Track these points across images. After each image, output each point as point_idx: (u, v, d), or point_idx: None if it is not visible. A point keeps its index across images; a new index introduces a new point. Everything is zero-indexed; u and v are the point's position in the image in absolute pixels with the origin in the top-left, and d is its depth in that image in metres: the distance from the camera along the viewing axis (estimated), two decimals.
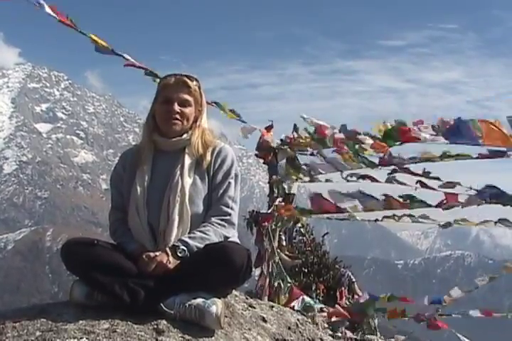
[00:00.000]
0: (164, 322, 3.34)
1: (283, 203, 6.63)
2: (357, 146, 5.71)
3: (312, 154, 6.56)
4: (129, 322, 3.30)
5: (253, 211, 6.74)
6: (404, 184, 5.64)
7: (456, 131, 4.71)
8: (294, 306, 6.04)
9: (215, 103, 6.78)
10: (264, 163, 6.78)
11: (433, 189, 5.46)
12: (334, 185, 6.34)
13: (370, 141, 5.51)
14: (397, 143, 5.26)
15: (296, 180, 6.71)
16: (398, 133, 5.18)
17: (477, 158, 4.96)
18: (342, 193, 5.84)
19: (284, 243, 6.75)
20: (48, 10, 5.73)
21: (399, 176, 5.60)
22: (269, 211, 6.57)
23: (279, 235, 6.69)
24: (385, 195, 5.72)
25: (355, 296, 9.38)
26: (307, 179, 6.58)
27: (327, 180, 6.48)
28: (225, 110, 6.85)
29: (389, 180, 5.66)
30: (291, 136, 6.57)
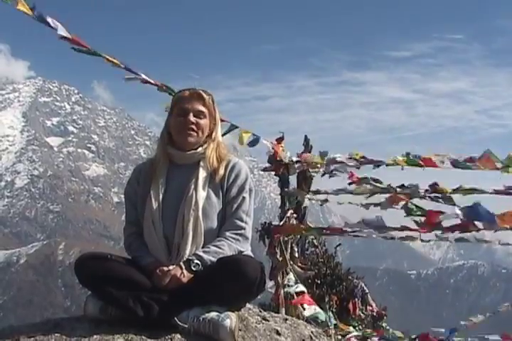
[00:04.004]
0: (178, 336, 3.34)
1: (295, 215, 6.62)
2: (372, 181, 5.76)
3: (324, 173, 6.56)
4: (143, 337, 3.31)
5: (265, 223, 6.73)
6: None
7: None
8: (304, 314, 6.01)
9: (232, 125, 6.73)
10: (275, 175, 6.77)
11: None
12: (346, 207, 6.34)
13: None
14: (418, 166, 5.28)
15: (308, 192, 6.71)
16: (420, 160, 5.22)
17: (493, 193, 4.96)
18: (359, 223, 5.76)
19: (296, 254, 6.73)
20: (62, 32, 5.74)
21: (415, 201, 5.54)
22: (281, 223, 6.56)
23: (292, 247, 6.67)
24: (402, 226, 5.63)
25: (369, 307, 9.35)
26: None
27: (339, 203, 6.49)
28: (242, 138, 6.80)
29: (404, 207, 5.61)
30: (304, 155, 6.57)
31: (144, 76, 6.42)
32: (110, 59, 6.12)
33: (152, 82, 6.51)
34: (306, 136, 6.89)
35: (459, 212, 4.62)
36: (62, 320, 3.75)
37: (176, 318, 3.37)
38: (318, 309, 6.19)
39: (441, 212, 4.79)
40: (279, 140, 6.81)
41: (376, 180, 5.85)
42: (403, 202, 5.26)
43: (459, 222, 4.70)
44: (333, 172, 6.34)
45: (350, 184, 6.08)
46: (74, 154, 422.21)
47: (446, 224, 4.79)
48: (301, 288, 6.32)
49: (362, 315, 9.32)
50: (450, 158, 5.24)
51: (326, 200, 6.72)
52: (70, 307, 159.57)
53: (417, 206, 5.05)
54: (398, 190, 5.54)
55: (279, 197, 6.87)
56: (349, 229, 5.85)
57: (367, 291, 9.65)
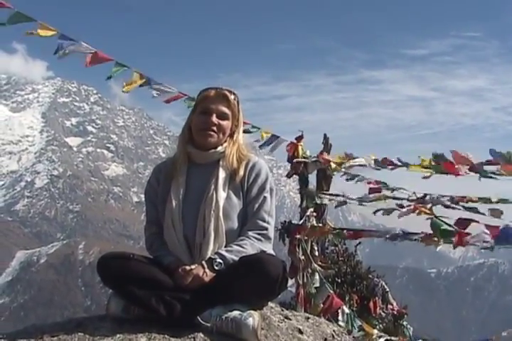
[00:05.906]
0: (201, 335, 3.35)
1: (315, 214, 6.61)
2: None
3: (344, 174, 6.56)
4: (166, 336, 3.31)
5: (285, 221, 6.72)
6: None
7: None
8: (334, 317, 5.97)
9: (254, 127, 6.79)
10: (295, 173, 6.76)
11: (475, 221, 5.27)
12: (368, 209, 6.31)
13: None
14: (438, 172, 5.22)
15: (328, 190, 6.70)
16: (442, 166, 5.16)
17: None
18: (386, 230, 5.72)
19: (316, 253, 6.71)
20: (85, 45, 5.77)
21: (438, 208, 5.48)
22: (301, 222, 6.55)
23: (312, 245, 6.65)
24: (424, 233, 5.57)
25: (389, 306, 9.31)
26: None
27: (360, 204, 6.46)
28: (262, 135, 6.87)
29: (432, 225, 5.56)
30: (324, 155, 6.57)
31: (166, 89, 6.40)
32: (139, 73, 6.10)
33: (177, 96, 6.49)
34: (325, 135, 6.87)
35: (488, 233, 4.52)
36: (84, 319, 3.78)
37: (198, 317, 3.38)
38: (346, 310, 6.15)
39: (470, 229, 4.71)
40: (299, 138, 6.80)
41: (396, 189, 5.84)
42: (426, 215, 5.21)
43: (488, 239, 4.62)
44: (356, 179, 6.36)
45: (370, 193, 6.07)
46: (93, 154, 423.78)
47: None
48: (327, 289, 6.27)
49: (382, 313, 9.28)
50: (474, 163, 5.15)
51: (345, 202, 6.67)
52: (90, 306, 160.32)
53: (445, 223, 4.93)
54: (420, 199, 5.50)
55: (299, 195, 6.86)
56: (372, 231, 5.84)
57: (387, 290, 9.60)
